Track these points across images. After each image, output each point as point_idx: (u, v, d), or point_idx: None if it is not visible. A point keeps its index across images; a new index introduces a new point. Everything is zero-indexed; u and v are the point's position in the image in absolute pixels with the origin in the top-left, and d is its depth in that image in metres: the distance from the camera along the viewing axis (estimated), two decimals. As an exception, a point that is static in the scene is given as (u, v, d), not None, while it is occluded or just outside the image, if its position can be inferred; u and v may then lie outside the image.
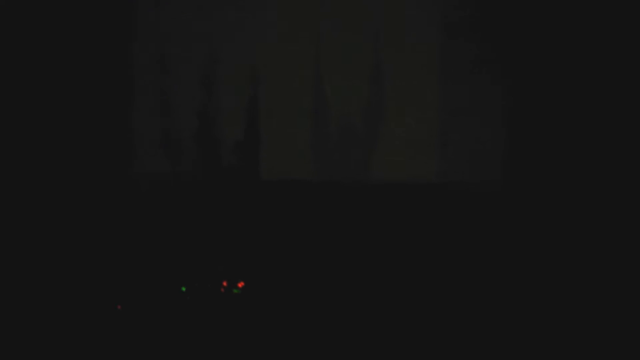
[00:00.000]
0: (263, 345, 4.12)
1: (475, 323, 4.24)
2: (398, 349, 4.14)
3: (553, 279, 4.47)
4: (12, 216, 4.64)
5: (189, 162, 4.79)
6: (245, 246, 4.54)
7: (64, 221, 4.67)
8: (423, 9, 4.71)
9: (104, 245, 4.65)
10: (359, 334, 4.19)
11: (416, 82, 4.75)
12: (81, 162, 4.78)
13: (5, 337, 4.11)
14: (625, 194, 4.50)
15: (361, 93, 4.78)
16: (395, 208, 4.69)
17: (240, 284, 4.38)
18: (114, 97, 4.83)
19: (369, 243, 4.67)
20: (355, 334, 4.19)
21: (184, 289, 4.38)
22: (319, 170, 4.81)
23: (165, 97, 4.83)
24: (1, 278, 4.46)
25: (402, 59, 4.74)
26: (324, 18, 4.74)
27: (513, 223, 4.62)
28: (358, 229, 4.69)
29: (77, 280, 4.49)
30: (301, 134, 4.80)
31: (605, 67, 4.53)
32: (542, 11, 4.60)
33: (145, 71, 4.83)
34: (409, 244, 4.64)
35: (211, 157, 4.78)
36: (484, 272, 4.54)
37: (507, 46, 4.67)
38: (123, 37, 4.83)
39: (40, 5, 4.69)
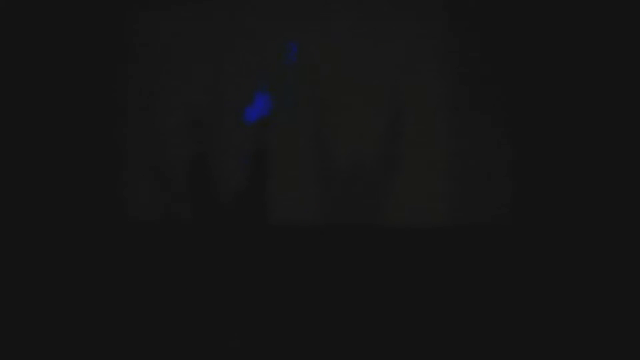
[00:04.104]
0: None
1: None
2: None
3: (563, 318, 4.40)
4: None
5: (189, 208, 4.67)
6: (253, 296, 4.40)
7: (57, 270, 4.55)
8: (434, 56, 4.68)
9: (97, 297, 4.50)
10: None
11: (426, 124, 4.69)
12: (73, 209, 4.65)
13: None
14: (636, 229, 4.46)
15: (371, 137, 4.70)
16: (406, 252, 4.61)
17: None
18: (107, 139, 4.73)
19: (381, 289, 4.55)
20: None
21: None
22: (328, 214, 4.72)
23: (161, 138, 4.73)
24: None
25: (411, 103, 4.69)
26: (337, 63, 4.69)
27: (523, 263, 4.56)
28: (369, 275, 4.58)
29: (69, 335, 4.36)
30: (310, 177, 4.69)
31: (611, 107, 4.53)
32: (546, 58, 4.63)
33: (140, 112, 4.75)
34: (421, 288, 4.56)
35: (213, 202, 4.66)
36: (496, 314, 4.47)
37: (514, 92, 4.69)
38: (115, 77, 4.73)
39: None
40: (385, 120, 4.70)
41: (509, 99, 4.71)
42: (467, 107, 4.71)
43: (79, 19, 4.69)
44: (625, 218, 4.51)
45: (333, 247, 4.64)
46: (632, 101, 4.54)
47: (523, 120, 4.69)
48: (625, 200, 4.52)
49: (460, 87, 4.70)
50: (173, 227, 4.61)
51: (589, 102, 4.60)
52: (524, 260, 4.57)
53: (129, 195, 4.71)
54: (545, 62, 4.67)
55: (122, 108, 4.73)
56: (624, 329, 4.32)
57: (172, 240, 4.58)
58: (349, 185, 4.73)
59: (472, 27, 4.71)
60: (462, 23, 4.72)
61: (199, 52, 4.73)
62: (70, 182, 4.66)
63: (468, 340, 4.36)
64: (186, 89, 4.71)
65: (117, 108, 4.73)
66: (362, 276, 4.60)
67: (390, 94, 4.71)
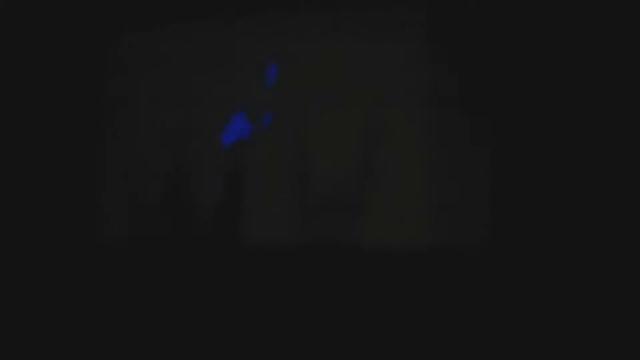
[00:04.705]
0: None
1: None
2: None
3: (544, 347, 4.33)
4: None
5: (164, 226, 4.66)
6: (228, 316, 4.35)
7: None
8: (411, 78, 4.66)
9: (69, 317, 4.47)
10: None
11: (405, 147, 4.69)
12: (47, 225, 4.64)
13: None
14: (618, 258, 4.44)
15: (348, 158, 4.72)
16: (383, 275, 4.58)
17: None
18: (80, 158, 4.74)
19: (358, 312, 4.51)
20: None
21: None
22: (304, 235, 4.70)
23: (135, 158, 4.73)
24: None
25: (390, 125, 4.68)
26: (313, 85, 4.70)
27: (500, 287, 4.52)
28: (346, 298, 4.55)
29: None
30: (285, 198, 4.70)
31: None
32: (526, 82, 4.60)
33: (115, 131, 4.76)
34: (398, 312, 4.51)
35: (187, 221, 4.65)
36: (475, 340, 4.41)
37: (494, 114, 4.65)
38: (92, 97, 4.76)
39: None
40: (362, 141, 4.71)
41: (492, 121, 4.71)
42: (447, 130, 4.71)
43: (55, 43, 4.73)
44: (611, 246, 4.47)
45: (310, 267, 4.62)
46: (613, 128, 4.53)
47: (506, 139, 4.68)
48: (610, 227, 4.48)
49: (440, 107, 4.69)
50: (147, 245, 4.60)
51: (576, 123, 4.57)
52: (505, 285, 4.53)
53: (104, 212, 4.72)
54: (529, 89, 4.65)
55: (99, 125, 4.77)
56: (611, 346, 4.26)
57: (146, 259, 4.56)
58: (326, 205, 4.72)
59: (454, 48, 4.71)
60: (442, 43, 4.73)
61: (175, 71, 4.75)
62: (45, 198, 4.67)
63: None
64: (163, 107, 4.73)
65: (94, 124, 4.77)
66: (338, 298, 4.57)
67: (366, 116, 4.71)
